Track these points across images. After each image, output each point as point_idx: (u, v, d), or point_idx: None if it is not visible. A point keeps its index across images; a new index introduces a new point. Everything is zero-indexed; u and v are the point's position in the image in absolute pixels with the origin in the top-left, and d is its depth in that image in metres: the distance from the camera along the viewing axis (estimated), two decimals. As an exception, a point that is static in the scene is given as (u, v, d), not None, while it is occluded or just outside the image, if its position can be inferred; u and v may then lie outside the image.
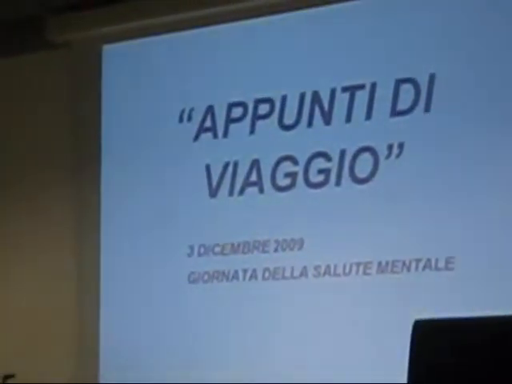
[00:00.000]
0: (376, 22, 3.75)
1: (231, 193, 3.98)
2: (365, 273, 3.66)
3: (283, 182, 3.85)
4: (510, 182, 3.44)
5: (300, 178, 3.82)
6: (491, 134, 3.47)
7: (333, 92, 3.76)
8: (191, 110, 4.11)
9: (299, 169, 3.83)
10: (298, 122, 3.85)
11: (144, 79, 4.33)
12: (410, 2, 3.74)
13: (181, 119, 4.13)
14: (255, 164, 3.90)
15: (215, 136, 4.06)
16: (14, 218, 4.53)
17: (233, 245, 3.91)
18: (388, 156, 3.70)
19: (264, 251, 3.82)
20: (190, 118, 4.12)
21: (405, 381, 1.64)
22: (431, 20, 3.62)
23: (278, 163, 3.85)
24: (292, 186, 3.82)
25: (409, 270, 3.63)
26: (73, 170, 4.36)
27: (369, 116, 3.77)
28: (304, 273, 3.69)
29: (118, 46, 4.37)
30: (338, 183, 3.75)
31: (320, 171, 3.75)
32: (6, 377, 4.24)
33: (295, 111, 3.85)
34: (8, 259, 4.53)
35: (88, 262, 4.31)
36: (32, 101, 4.51)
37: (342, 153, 3.71)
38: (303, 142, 3.84)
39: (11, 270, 4.52)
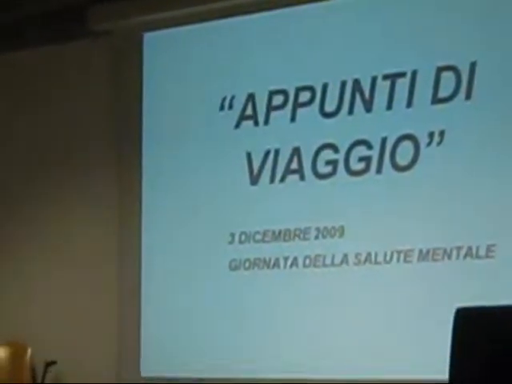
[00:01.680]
0: (416, 10, 3.82)
1: (272, 180, 4.06)
2: (405, 261, 3.73)
3: (324, 169, 3.93)
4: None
5: (341, 166, 3.91)
6: (533, 120, 3.57)
7: (374, 80, 3.84)
8: (232, 97, 4.20)
9: (340, 157, 3.91)
10: (338, 110, 3.92)
11: (185, 67, 4.44)
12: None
13: (222, 107, 4.23)
14: (296, 152, 3.98)
15: (256, 124, 4.15)
16: (65, 206, 4.80)
17: (274, 232, 3.99)
18: (429, 143, 3.77)
19: (305, 239, 3.92)
20: (231, 106, 4.21)
21: (447, 368, 1.69)
22: (472, 7, 3.67)
23: (318, 151, 3.93)
24: (333, 173, 3.92)
25: (450, 257, 3.70)
26: (116, 157, 4.51)
27: (410, 104, 3.82)
28: (345, 260, 3.78)
29: (159, 33, 4.49)
30: (378, 171, 3.82)
31: (361, 159, 3.83)
32: (48, 364, 4.43)
33: (336, 99, 3.92)
34: (59, 238, 4.85)
35: (129, 247, 4.51)
36: (75, 88, 4.70)
37: (383, 140, 3.78)
38: (344, 129, 3.92)
39: (62, 245, 4.83)
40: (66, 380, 4.47)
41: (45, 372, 4.43)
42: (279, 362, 3.89)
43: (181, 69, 4.42)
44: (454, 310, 1.82)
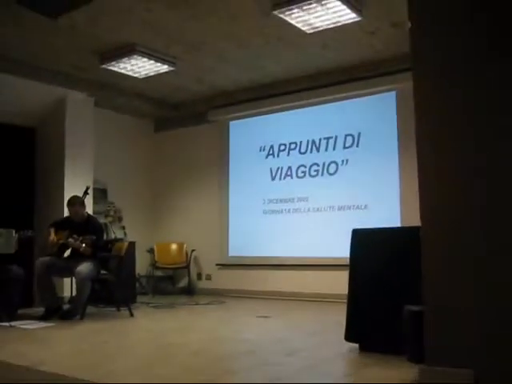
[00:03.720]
0: (336, 113, 9.10)
1: (279, 179, 9.26)
2: (332, 210, 8.91)
3: (300, 174, 9.00)
4: None
5: (307, 173, 9.01)
6: None
7: (320, 139, 9.19)
8: (265, 146, 9.47)
9: (306, 169, 9.01)
10: (306, 151, 8.99)
11: (246, 135, 9.67)
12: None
13: (260, 149, 9.52)
14: (289, 167, 9.13)
15: (273, 156, 9.37)
16: (200, 193, 10.23)
17: (280, 199, 9.19)
18: (342, 164, 8.80)
19: (292, 201, 9.06)
20: (264, 149, 9.49)
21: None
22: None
23: (298, 167, 9.01)
24: (303, 176, 9.00)
25: (349, 209, 8.61)
26: (218, 175, 9.94)
27: (334, 148, 9.00)
28: (308, 210, 9.05)
29: (236, 121, 9.82)
30: (322, 175, 9.10)
31: (315, 170, 9.13)
32: (192, 250, 9.80)
33: (305, 147, 9.01)
34: (190, 204, 10.25)
35: (223, 206, 9.83)
36: (203, 146, 10.13)
37: (324, 163, 9.06)
38: (307, 159, 9.00)
39: (194, 207, 10.20)
40: (199, 258, 9.81)
41: (190, 255, 9.75)
42: (284, 250, 9.03)
43: (245, 135, 9.66)
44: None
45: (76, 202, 6.82)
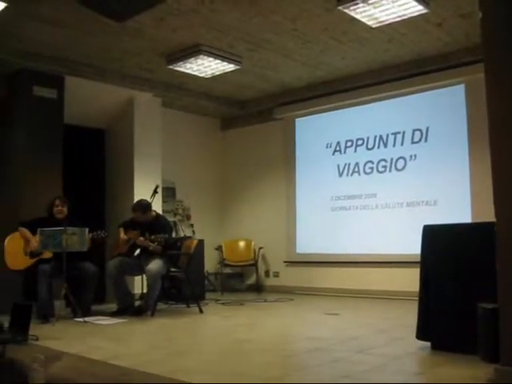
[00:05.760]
0: (401, 108, 8.95)
1: (347, 175, 9.19)
2: (401, 206, 8.74)
3: (367, 170, 8.89)
4: None
5: (374, 169, 8.87)
6: None
7: (387, 135, 9.06)
8: (331, 143, 9.42)
9: (373, 165, 8.85)
10: (373, 147, 8.87)
11: (312, 131, 9.65)
12: None
13: (327, 146, 9.48)
14: (356, 164, 9.05)
15: (340, 153, 9.31)
16: (267, 190, 10.31)
17: (347, 196, 9.11)
18: (410, 160, 8.59)
19: (360, 198, 8.94)
20: (330, 146, 9.44)
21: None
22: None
23: (365, 163, 8.91)
24: (370, 172, 8.87)
25: (419, 205, 8.41)
26: (285, 171, 9.96)
27: (402, 143, 8.82)
28: (375, 207, 8.92)
29: (301, 118, 9.82)
30: (390, 171, 8.98)
31: (382, 166, 9.01)
32: (260, 248, 9.78)
33: (372, 143, 8.89)
34: (258, 201, 10.32)
35: (290, 203, 9.84)
36: (268, 143, 10.21)
37: (391, 159, 8.94)
38: (375, 155, 8.89)
39: (261, 204, 10.28)
40: (266, 255, 9.86)
41: (258, 252, 9.78)
42: (352, 247, 8.94)
43: (311, 133, 9.64)
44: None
45: (137, 209, 6.96)
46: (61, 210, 6.74)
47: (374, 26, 6.71)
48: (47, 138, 7.74)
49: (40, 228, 6.34)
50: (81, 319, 6.16)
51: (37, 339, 4.75)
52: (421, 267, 4.33)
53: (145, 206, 6.97)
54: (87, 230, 6.44)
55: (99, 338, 5.13)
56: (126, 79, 8.47)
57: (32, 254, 6.48)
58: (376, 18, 6.49)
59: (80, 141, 8.75)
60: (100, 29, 6.67)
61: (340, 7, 6.14)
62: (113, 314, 6.63)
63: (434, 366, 3.78)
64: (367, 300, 8.17)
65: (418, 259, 4.38)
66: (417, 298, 4.37)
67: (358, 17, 6.42)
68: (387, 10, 6.28)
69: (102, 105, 8.81)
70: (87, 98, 8.41)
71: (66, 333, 5.46)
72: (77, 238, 6.30)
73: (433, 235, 4.28)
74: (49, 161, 7.72)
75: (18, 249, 6.52)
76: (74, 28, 6.64)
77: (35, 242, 6.39)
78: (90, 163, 9.09)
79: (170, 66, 7.86)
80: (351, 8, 6.19)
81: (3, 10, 5.96)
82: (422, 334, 4.26)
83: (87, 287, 6.63)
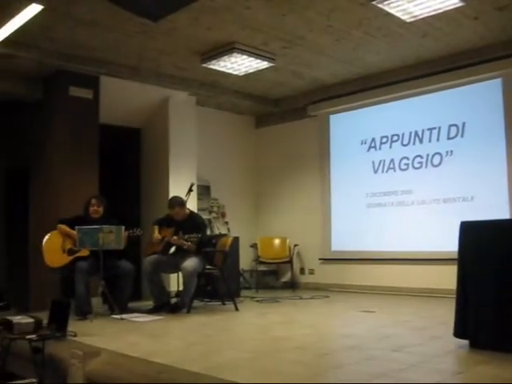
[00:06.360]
0: (436, 104, 8.81)
1: (382, 171, 9.10)
2: (437, 203, 8.58)
3: (403, 167, 8.78)
4: None
5: (410, 165, 8.75)
6: None
7: (422, 130, 8.93)
8: (366, 139, 9.35)
9: (409, 162, 8.72)
10: (409, 143, 8.75)
11: (346, 127, 9.60)
12: None
13: (361, 143, 9.41)
14: (391, 160, 8.97)
15: (375, 149, 9.22)
16: (301, 184, 10.28)
17: (383, 192, 9.03)
18: (446, 155, 8.40)
19: (396, 194, 8.84)
20: (365, 142, 9.36)
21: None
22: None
23: (400, 160, 8.79)
24: (406, 169, 8.74)
25: (456, 201, 8.25)
26: (319, 166, 9.92)
27: (438, 139, 8.58)
28: (411, 203, 8.82)
29: (336, 115, 9.75)
30: (426, 167, 8.82)
31: (418, 162, 8.88)
32: (295, 245, 9.73)
33: (407, 139, 8.80)
34: (291, 198, 10.31)
35: (325, 200, 9.78)
36: (303, 139, 10.17)
37: (427, 155, 8.80)
38: (411, 151, 8.73)
39: (296, 202, 10.28)
40: (301, 253, 9.87)
41: (293, 249, 9.77)
42: (387, 245, 8.84)
43: (345, 129, 9.57)
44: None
45: (175, 205, 6.99)
46: (96, 210, 6.82)
47: (408, 21, 6.64)
48: (84, 137, 7.86)
49: (77, 226, 6.42)
50: (118, 316, 6.23)
51: (75, 335, 4.81)
52: (458, 264, 4.26)
53: (181, 201, 7.04)
54: (123, 228, 6.50)
55: (136, 334, 5.19)
56: (160, 78, 8.53)
57: (70, 252, 6.57)
58: (410, 13, 6.42)
59: (116, 140, 8.84)
60: (135, 29, 6.73)
61: (374, 2, 6.11)
62: (149, 312, 6.69)
63: (473, 365, 3.72)
64: (403, 297, 8.09)
65: (455, 256, 4.31)
66: (454, 296, 4.30)
67: (392, 11, 6.36)
68: (422, 3, 6.21)
69: (137, 104, 8.89)
70: (123, 98, 8.50)
71: (103, 329, 5.53)
72: (113, 236, 6.37)
73: (472, 232, 4.19)
74: (85, 160, 7.84)
75: (56, 246, 6.61)
76: (109, 28, 6.71)
77: (76, 236, 6.46)
78: (125, 162, 9.19)
79: (204, 65, 7.90)
80: (385, 2, 6.14)
81: (40, 13, 6.05)
82: (459, 332, 4.20)
83: (124, 285, 6.71)
